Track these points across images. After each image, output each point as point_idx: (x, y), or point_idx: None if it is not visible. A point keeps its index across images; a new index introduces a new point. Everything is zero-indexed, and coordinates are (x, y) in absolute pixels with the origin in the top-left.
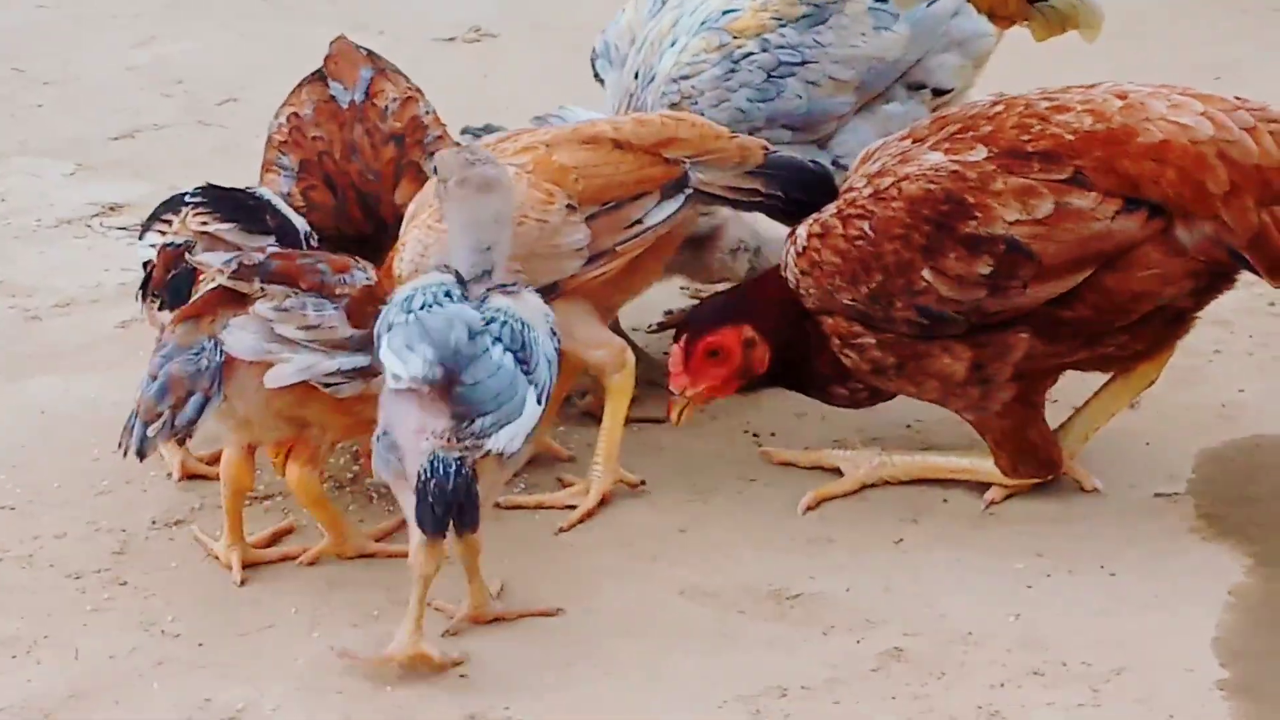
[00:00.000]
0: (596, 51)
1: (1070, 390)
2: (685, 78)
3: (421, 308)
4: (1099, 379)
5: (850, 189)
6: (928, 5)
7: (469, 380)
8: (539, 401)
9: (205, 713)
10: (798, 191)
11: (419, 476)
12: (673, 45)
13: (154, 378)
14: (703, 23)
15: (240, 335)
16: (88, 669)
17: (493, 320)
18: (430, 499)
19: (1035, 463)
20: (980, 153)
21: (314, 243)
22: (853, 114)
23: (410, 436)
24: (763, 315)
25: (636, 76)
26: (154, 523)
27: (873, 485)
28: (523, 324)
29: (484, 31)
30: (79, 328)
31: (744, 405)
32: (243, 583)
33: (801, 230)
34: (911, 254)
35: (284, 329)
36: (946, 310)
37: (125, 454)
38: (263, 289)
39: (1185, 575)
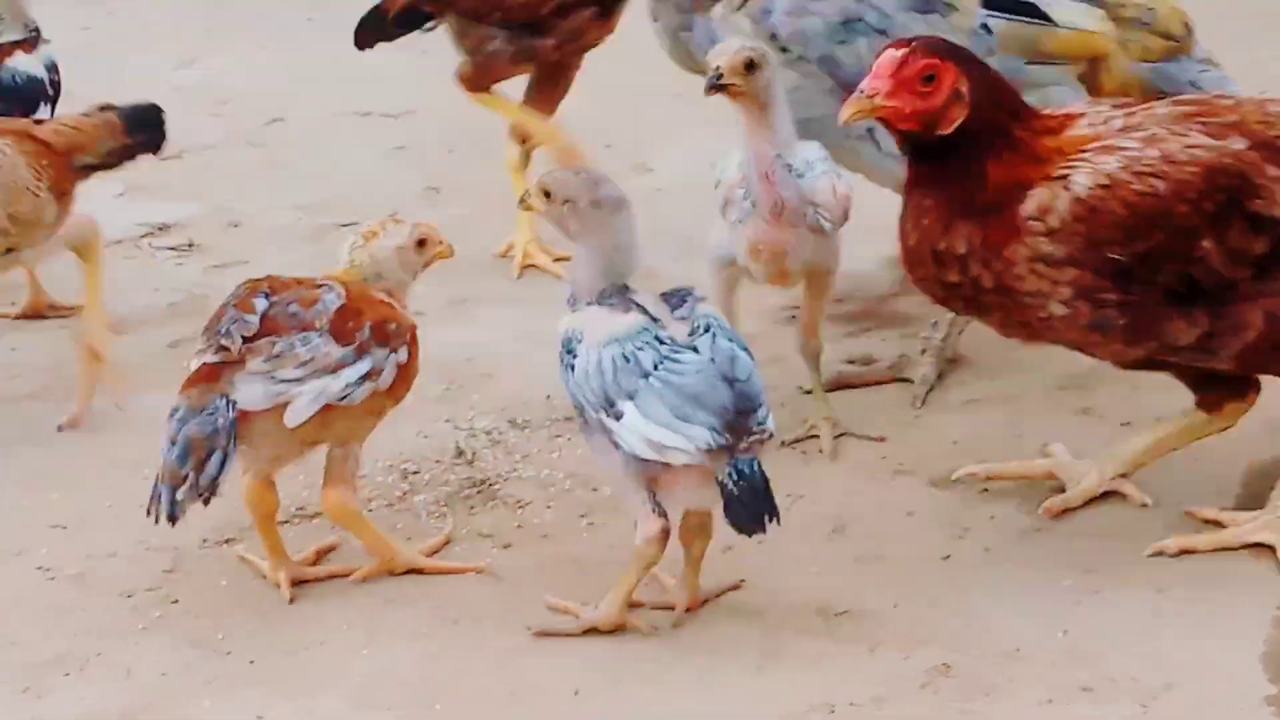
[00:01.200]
0: None
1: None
2: None
3: (656, 369)
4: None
5: (1123, 148)
6: (1026, 62)
7: (741, 376)
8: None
9: None
10: None
11: (726, 487)
12: None
13: (173, 442)
14: None
15: (248, 389)
16: (140, 687)
17: (712, 325)
18: (744, 501)
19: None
20: (1241, 142)
21: None
22: None
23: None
24: (985, 85)
25: None
26: (205, 541)
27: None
28: (730, 328)
29: None
30: (130, 348)
31: (791, 422)
32: (292, 600)
33: (1082, 178)
34: (1199, 220)
35: (284, 373)
36: (1208, 282)
37: (156, 521)
38: (248, 349)
39: (1234, 591)
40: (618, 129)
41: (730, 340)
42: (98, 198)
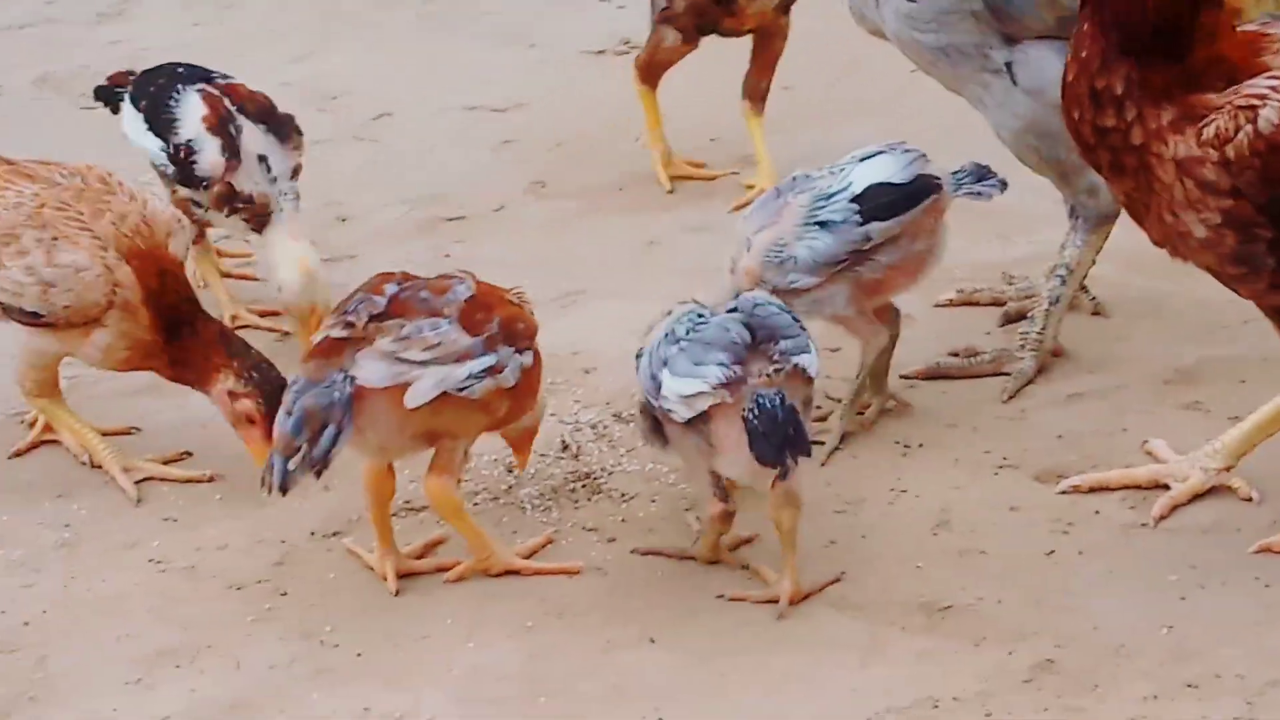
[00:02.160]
0: None
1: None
2: None
3: (687, 335)
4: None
5: None
6: None
7: (761, 315)
8: (817, 354)
9: None
10: None
11: (748, 418)
12: None
13: (289, 413)
14: None
15: (370, 366)
16: (249, 679)
17: (751, 297)
18: (763, 432)
19: None
20: None
21: None
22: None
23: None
24: None
25: None
26: (313, 534)
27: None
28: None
29: (633, 44)
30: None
31: (891, 417)
32: (398, 593)
33: (1270, 113)
34: None
35: (409, 355)
36: None
37: (269, 492)
38: (377, 328)
39: None
40: (725, 122)
41: (766, 300)
42: None
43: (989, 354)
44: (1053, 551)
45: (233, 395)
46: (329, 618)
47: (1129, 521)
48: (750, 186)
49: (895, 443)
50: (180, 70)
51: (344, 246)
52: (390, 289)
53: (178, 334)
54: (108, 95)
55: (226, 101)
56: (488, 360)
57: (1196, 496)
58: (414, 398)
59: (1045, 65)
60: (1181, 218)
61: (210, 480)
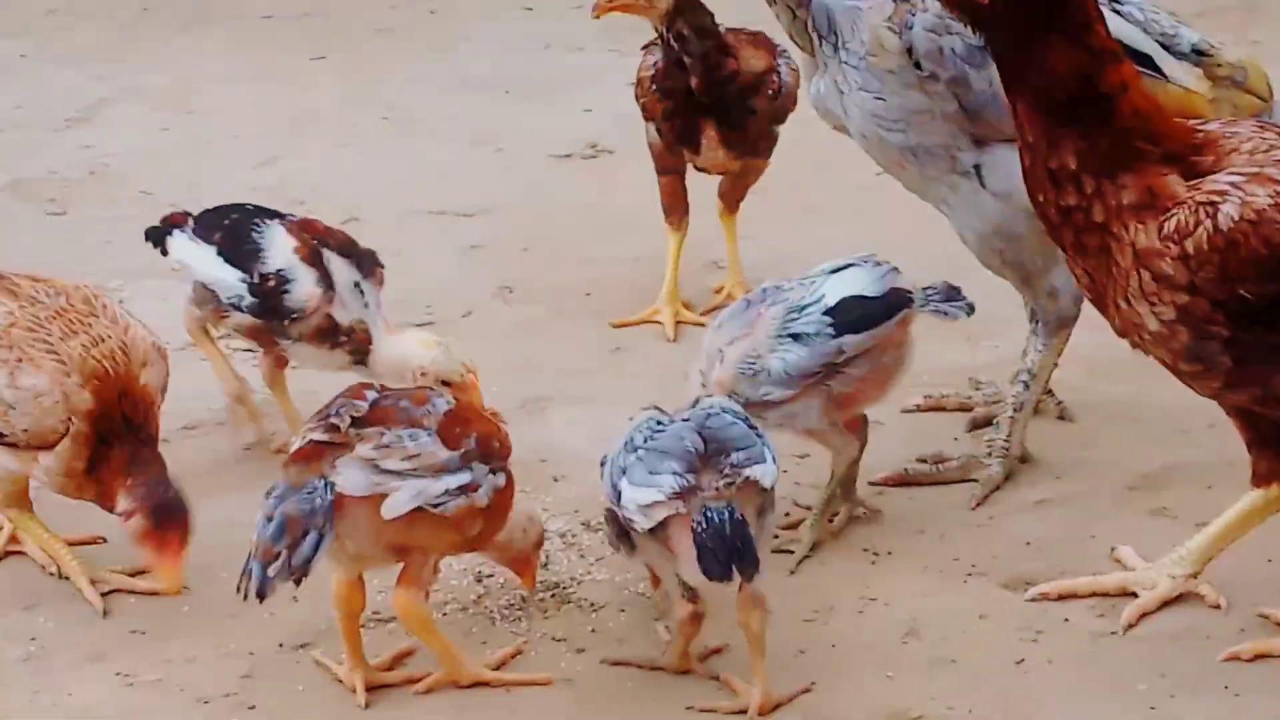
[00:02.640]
0: None
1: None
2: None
3: (645, 443)
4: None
5: (1278, 183)
6: None
7: (715, 426)
8: (774, 462)
9: None
10: None
11: (695, 532)
12: None
13: (269, 518)
14: None
15: (350, 474)
16: None
17: (711, 403)
18: (710, 545)
19: None
20: None
21: None
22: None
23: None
24: None
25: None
26: (281, 646)
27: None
28: (733, 407)
29: (601, 148)
30: (206, 450)
31: (860, 524)
32: (367, 705)
33: (1230, 209)
34: None
35: (389, 464)
36: None
37: (245, 597)
38: (358, 434)
39: None
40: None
41: (721, 409)
42: (173, 298)
43: (957, 460)
44: (1022, 660)
45: (125, 515)
46: None
47: (1098, 629)
48: (719, 290)
49: (864, 550)
50: (250, 208)
51: None
52: (371, 395)
53: (102, 463)
54: (160, 235)
55: (308, 235)
56: (463, 477)
57: (1165, 604)
58: (391, 509)
59: (1014, 168)
60: (1135, 307)
61: (177, 592)
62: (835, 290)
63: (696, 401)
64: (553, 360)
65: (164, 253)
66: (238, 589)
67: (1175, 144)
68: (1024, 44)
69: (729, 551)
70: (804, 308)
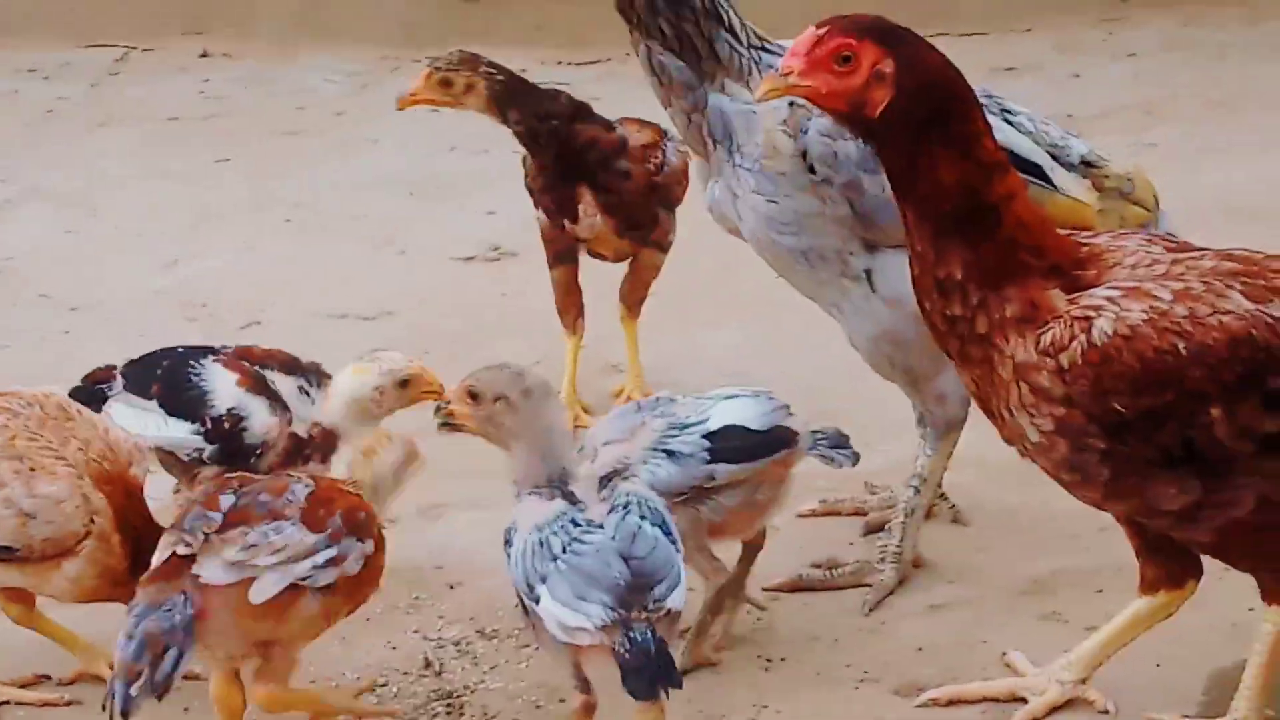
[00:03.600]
0: None
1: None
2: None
3: (564, 551)
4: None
5: (1154, 297)
6: None
7: (640, 553)
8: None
9: None
10: None
11: (619, 654)
12: None
13: (130, 637)
14: None
15: (213, 567)
16: None
17: (630, 503)
18: (635, 668)
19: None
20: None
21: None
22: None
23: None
24: (912, 67)
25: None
26: None
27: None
28: (653, 502)
29: (503, 250)
30: None
31: (756, 632)
32: None
33: (1104, 324)
34: (1213, 388)
35: (258, 560)
36: (1208, 450)
37: (110, 717)
38: (221, 539)
39: None
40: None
41: (641, 516)
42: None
43: (850, 565)
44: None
45: None
46: None
47: None
48: (618, 394)
49: (758, 656)
50: (180, 350)
51: None
52: (226, 501)
53: (142, 560)
54: (88, 396)
55: (247, 364)
56: (330, 552)
57: (1054, 709)
58: (259, 593)
59: (905, 274)
60: (1018, 419)
61: (67, 704)
62: (721, 416)
63: (611, 480)
64: (452, 464)
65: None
66: (103, 708)
67: (1059, 257)
68: (912, 155)
69: (654, 672)
70: (686, 426)
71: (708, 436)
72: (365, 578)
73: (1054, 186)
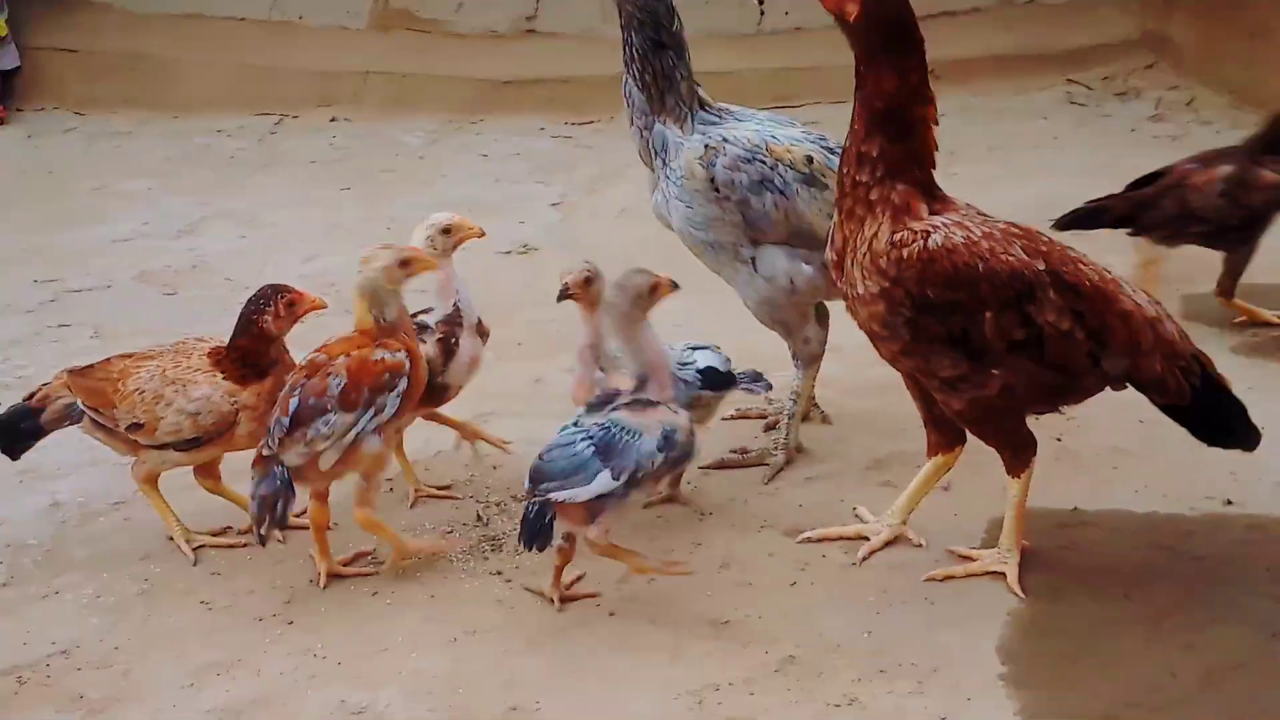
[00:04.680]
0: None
1: (908, 479)
2: (728, 140)
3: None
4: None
5: (970, 231)
6: None
7: (548, 459)
8: (616, 476)
9: (341, 711)
10: None
11: (523, 515)
12: (746, 122)
13: (254, 498)
14: (760, 131)
15: (289, 457)
16: (266, 682)
17: (592, 429)
18: (522, 532)
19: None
20: (1042, 264)
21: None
22: (778, 243)
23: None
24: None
25: (722, 107)
26: (311, 582)
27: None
28: (623, 430)
29: (530, 247)
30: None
31: (693, 495)
32: (325, 586)
33: (938, 237)
34: (991, 299)
35: (318, 448)
36: (975, 339)
37: (258, 543)
38: (289, 439)
39: (978, 604)
40: None
41: (587, 437)
42: None
43: (755, 452)
44: (795, 582)
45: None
46: (319, 639)
47: (844, 562)
48: None
49: (695, 511)
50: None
51: None
52: (293, 404)
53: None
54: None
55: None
56: (368, 414)
57: (887, 544)
58: (324, 462)
59: (777, 260)
60: (856, 273)
61: (243, 545)
62: (701, 360)
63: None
64: (495, 387)
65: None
66: (255, 531)
67: (931, 183)
68: (867, 61)
69: (528, 533)
70: (684, 365)
71: (699, 373)
72: (409, 394)
73: None
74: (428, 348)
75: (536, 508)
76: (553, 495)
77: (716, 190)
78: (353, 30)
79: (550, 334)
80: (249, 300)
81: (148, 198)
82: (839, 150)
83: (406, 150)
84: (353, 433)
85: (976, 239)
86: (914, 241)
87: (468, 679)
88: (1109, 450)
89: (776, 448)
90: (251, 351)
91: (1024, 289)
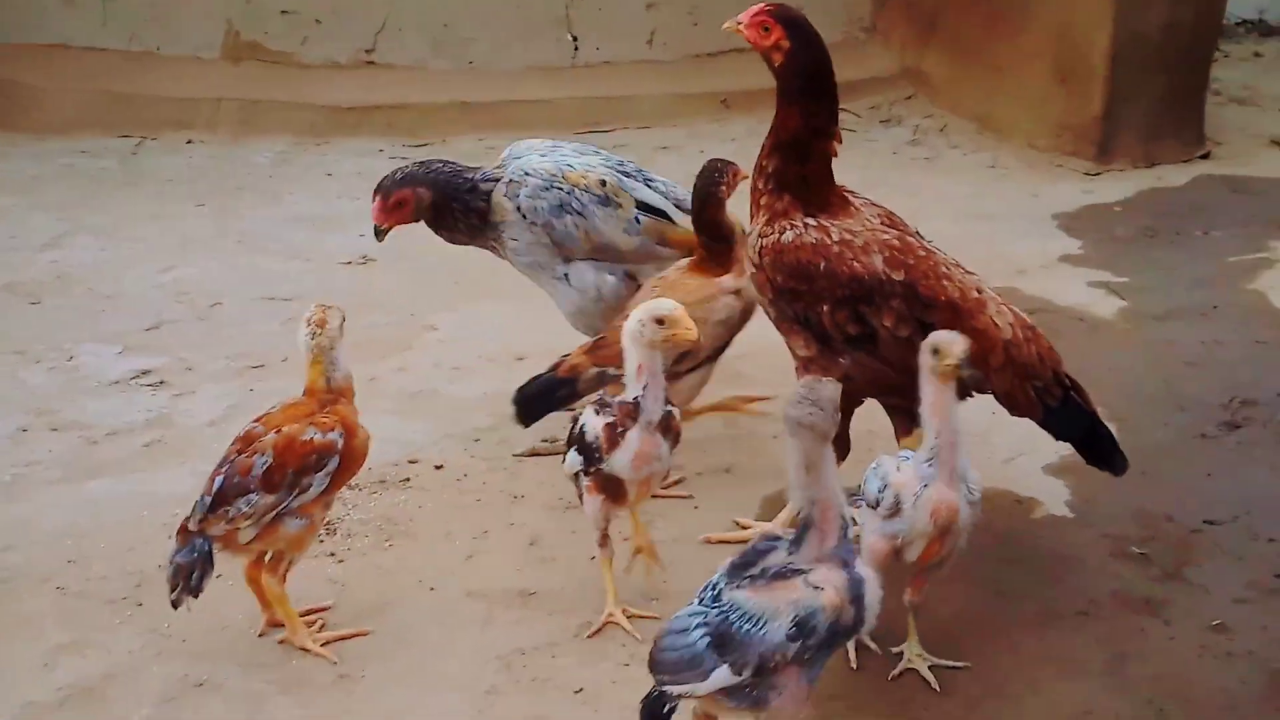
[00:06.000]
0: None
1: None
2: (528, 173)
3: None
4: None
5: (828, 234)
6: (655, 242)
7: (661, 648)
8: (737, 672)
9: (184, 684)
10: None
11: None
12: (539, 155)
13: (171, 564)
14: (555, 160)
15: (211, 532)
16: (115, 660)
17: (709, 612)
18: (641, 712)
19: None
20: (900, 274)
21: None
22: (584, 257)
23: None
24: (800, 51)
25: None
26: (160, 567)
27: None
28: (742, 618)
29: (368, 258)
30: (122, 448)
31: (509, 469)
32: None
33: (789, 235)
34: (828, 295)
35: (238, 526)
36: (816, 327)
37: (174, 606)
38: (211, 519)
39: None
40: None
41: (707, 631)
42: (104, 355)
43: (562, 441)
44: (593, 557)
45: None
46: (166, 619)
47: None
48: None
49: (509, 494)
50: None
51: (189, 385)
52: (218, 482)
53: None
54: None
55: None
56: (290, 497)
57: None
58: (243, 538)
59: (586, 274)
60: (748, 255)
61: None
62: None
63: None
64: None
65: None
66: (171, 604)
67: (819, 201)
68: (784, 97)
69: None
70: None
71: None
72: (341, 476)
73: (674, 221)
74: (595, 424)
75: (656, 694)
76: (668, 689)
77: (524, 218)
78: (207, 60)
79: (384, 337)
80: (701, 176)
81: (13, 214)
82: (635, 172)
83: (257, 170)
84: (273, 513)
85: (829, 243)
86: (771, 235)
87: (300, 651)
88: (864, 433)
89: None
90: (715, 222)
91: (861, 292)
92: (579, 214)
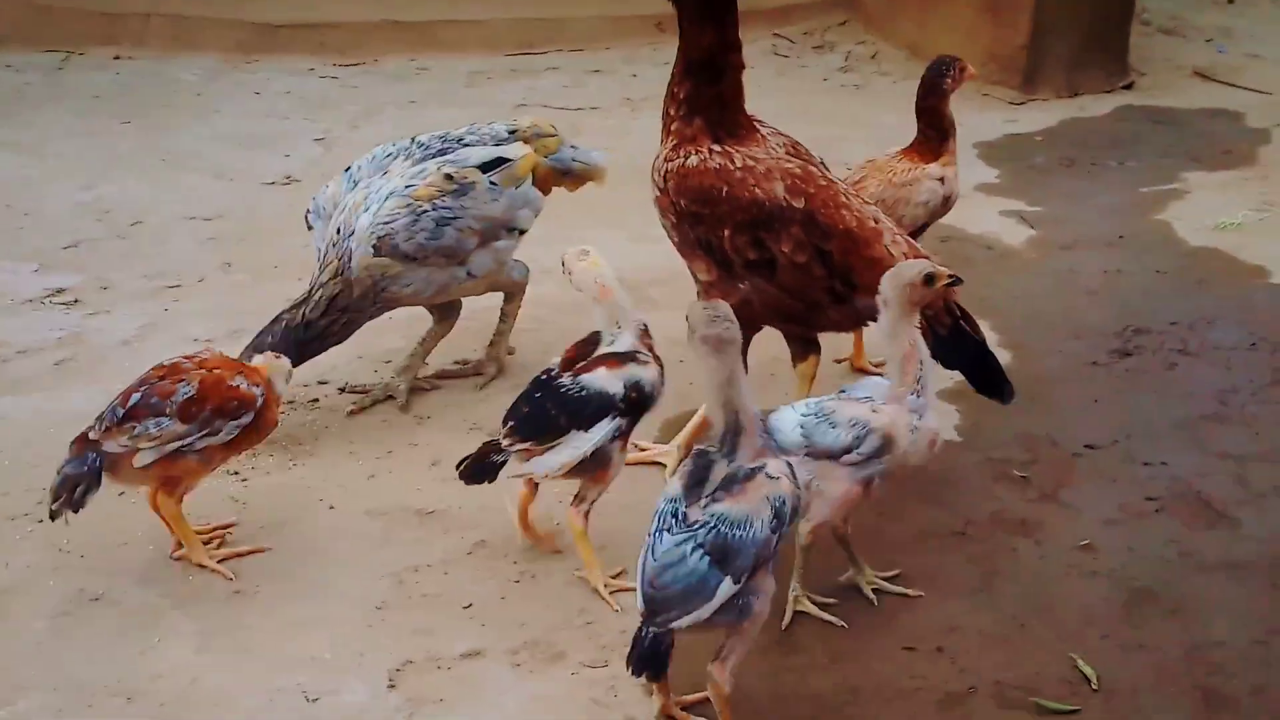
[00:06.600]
0: (310, 209)
1: None
2: (386, 223)
3: (653, 532)
4: None
5: (731, 159)
6: (516, 188)
7: (661, 586)
8: (737, 580)
9: (80, 598)
10: None
11: (634, 637)
12: (366, 210)
13: (58, 473)
14: (390, 193)
15: (110, 444)
16: (14, 574)
17: (699, 528)
18: (633, 657)
19: None
20: (800, 202)
21: None
22: (478, 247)
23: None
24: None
25: (339, 231)
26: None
27: None
28: (732, 525)
29: (293, 179)
30: (33, 366)
31: (412, 398)
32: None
33: (693, 159)
34: (729, 219)
35: (139, 446)
36: (717, 251)
37: (51, 518)
38: (117, 429)
39: (653, 485)
40: None
41: (704, 550)
42: (20, 272)
43: (472, 364)
44: (494, 509)
45: None
46: (66, 535)
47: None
48: None
49: (414, 415)
50: None
51: (103, 305)
52: (134, 399)
53: None
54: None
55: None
56: (198, 432)
57: None
58: (140, 460)
59: (483, 258)
60: (654, 179)
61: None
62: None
63: None
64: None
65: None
66: (49, 514)
67: (729, 127)
68: (690, 21)
69: (640, 662)
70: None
71: None
72: (247, 436)
73: (510, 159)
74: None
75: (652, 636)
76: (675, 624)
77: (414, 259)
78: None
79: (305, 258)
80: (931, 68)
81: None
82: (448, 144)
83: (185, 87)
84: (177, 443)
85: (732, 168)
86: (676, 160)
87: (198, 568)
88: (770, 360)
89: (488, 360)
90: (936, 111)
91: (761, 217)
92: (454, 219)
